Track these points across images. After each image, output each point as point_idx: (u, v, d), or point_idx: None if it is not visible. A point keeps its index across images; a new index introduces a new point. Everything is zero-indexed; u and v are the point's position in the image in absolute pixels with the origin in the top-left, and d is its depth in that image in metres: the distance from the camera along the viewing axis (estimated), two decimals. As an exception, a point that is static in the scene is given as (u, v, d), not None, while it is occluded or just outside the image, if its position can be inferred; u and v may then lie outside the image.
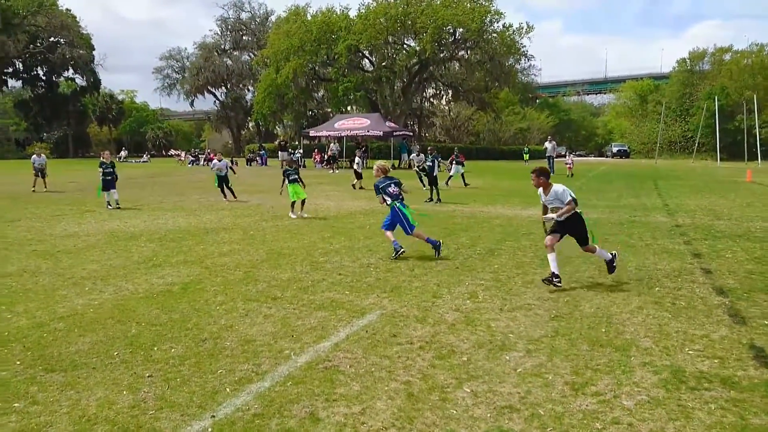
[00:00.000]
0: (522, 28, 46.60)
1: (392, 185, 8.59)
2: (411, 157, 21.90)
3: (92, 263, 8.08)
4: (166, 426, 3.46)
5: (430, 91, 62.12)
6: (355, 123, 37.82)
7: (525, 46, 47.54)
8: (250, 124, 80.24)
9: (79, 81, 73.63)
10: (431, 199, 16.10)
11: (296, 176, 12.89)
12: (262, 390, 3.95)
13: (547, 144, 29.90)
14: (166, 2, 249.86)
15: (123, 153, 57.02)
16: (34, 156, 20.81)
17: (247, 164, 44.47)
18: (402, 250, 8.26)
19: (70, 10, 67.85)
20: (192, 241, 9.79)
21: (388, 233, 8.47)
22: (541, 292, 6.40)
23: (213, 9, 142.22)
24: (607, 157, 69.09)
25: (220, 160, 17.27)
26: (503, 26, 45.77)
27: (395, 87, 50.04)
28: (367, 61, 52.36)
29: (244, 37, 72.05)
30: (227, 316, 5.62)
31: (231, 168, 17.81)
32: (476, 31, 43.75)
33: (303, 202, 12.94)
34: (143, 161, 51.54)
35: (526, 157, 43.92)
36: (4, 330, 5.21)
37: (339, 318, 5.55)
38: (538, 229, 10.93)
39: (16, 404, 3.74)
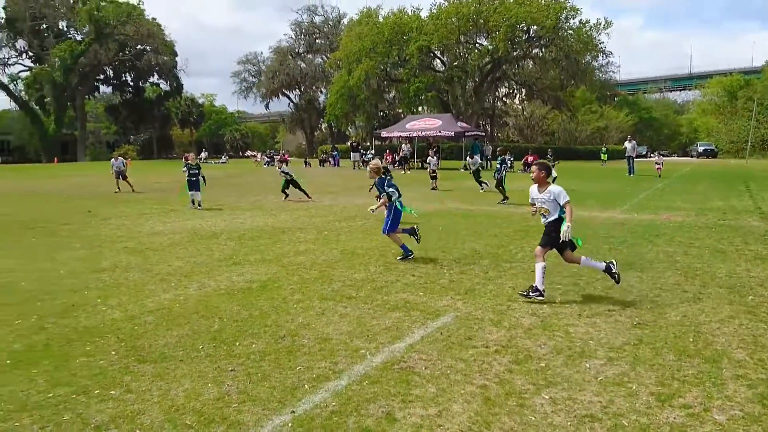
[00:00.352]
0: (599, 24, 45.07)
1: (390, 179, 8.68)
2: (466, 159, 21.36)
3: (177, 260, 8.48)
4: (249, 419, 3.59)
5: (503, 91, 61.21)
6: (426, 123, 37.77)
7: (603, 42, 45.99)
8: (323, 126, 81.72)
9: (164, 86, 77.65)
10: (505, 198, 15.83)
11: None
12: (339, 388, 4.02)
13: (626, 144, 28.76)
14: (243, 9, 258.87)
15: (203, 154, 59.46)
16: (113, 159, 22.17)
17: (320, 165, 45.37)
18: (411, 254, 8.28)
19: (155, 19, 71.62)
20: (269, 240, 10.09)
21: (395, 235, 8.43)
22: (623, 298, 6.17)
23: (288, 14, 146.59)
24: (692, 156, 65.66)
25: (279, 167, 18.25)
26: (579, 23, 44.46)
27: (467, 87, 49.63)
28: (438, 61, 52.21)
29: (317, 41, 73.50)
30: (304, 314, 5.75)
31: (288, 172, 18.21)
32: (551, 28, 42.72)
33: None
34: (222, 162, 53.55)
35: (604, 157, 42.25)
36: (100, 322, 5.56)
37: (413, 319, 5.56)
38: (617, 232, 10.55)
39: (112, 392, 3.99)
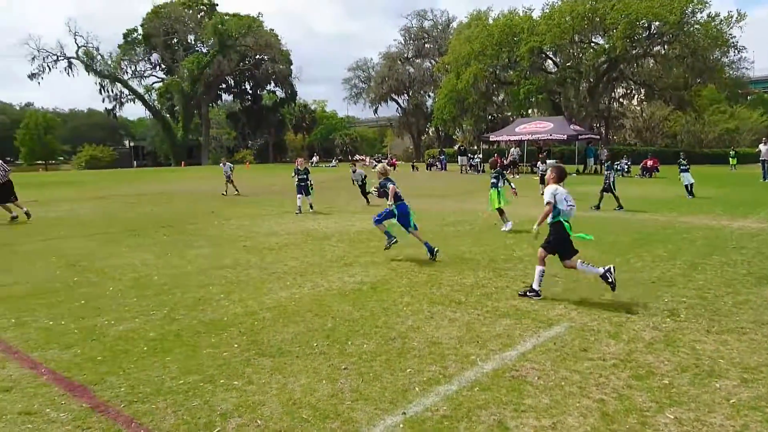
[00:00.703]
0: (731, 17, 41.55)
1: (391, 184, 9.13)
2: (539, 165, 20.03)
3: (292, 260, 8.86)
4: (361, 417, 3.68)
5: (620, 91, 58.14)
6: (537, 126, 36.77)
7: (734, 37, 42.34)
8: (430, 130, 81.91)
9: (279, 93, 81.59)
10: (598, 207, 14.97)
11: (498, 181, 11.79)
12: (449, 393, 4.02)
13: (761, 146, 26.35)
14: (353, 17, 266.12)
15: (315, 158, 61.68)
16: (221, 164, 23.60)
17: (427, 169, 45.52)
18: (395, 240, 9.06)
19: (273, 30, 75.40)
20: (378, 243, 10.26)
21: (380, 225, 9.16)
22: (758, 315, 5.66)
23: (397, 20, 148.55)
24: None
25: (354, 171, 18.68)
26: (708, 16, 41.25)
27: (581, 88, 47.66)
28: (550, 62, 50.61)
29: (425, 45, 73.90)
30: (414, 317, 5.80)
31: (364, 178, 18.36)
32: (675, 23, 39.99)
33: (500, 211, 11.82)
34: (332, 166, 55.27)
35: (733, 161, 38.82)
36: (224, 315, 5.94)
37: (524, 327, 5.44)
38: (750, 242, 9.71)
39: (235, 382, 4.24)
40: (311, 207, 15.62)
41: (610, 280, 6.24)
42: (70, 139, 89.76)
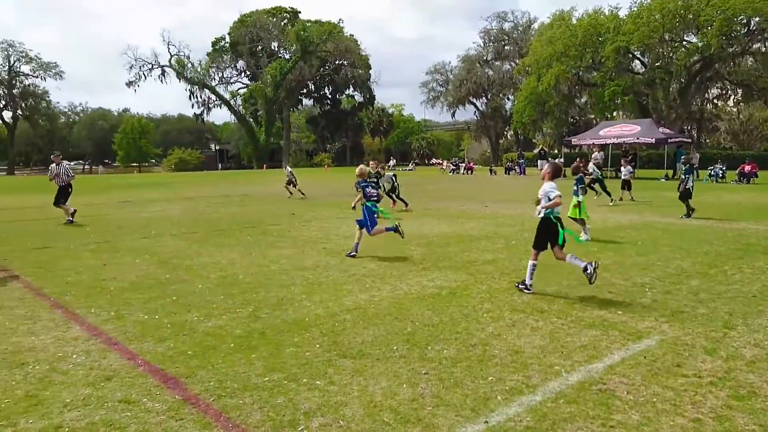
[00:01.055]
0: (842, 11, 38.31)
1: (370, 187, 10.00)
2: (590, 167, 18.87)
3: (370, 262, 8.94)
4: (442, 423, 3.65)
5: (714, 92, 54.98)
6: (623, 130, 35.34)
7: None
8: (509, 133, 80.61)
9: (358, 97, 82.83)
10: (688, 215, 13.91)
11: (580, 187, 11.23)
12: (533, 403, 3.91)
13: None
14: (432, 20, 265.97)
15: (392, 162, 62.06)
16: (284, 168, 24.25)
17: (505, 173, 44.77)
18: (397, 225, 9.94)
19: (353, 35, 76.67)
20: (456, 248, 10.20)
21: (379, 227, 9.82)
22: None
23: (477, 22, 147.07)
24: None
25: (382, 174, 18.26)
26: (816, 10, 38.22)
27: (671, 89, 45.40)
28: (637, 62, 48.57)
29: (505, 47, 72.78)
30: (494, 324, 5.70)
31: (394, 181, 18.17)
32: (778, 19, 37.38)
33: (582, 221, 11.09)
34: (409, 170, 55.42)
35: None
36: (306, 316, 6.07)
37: (612, 339, 5.22)
38: None
39: (318, 382, 4.32)
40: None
41: (588, 271, 6.64)
42: (161, 143, 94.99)
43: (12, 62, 78.58)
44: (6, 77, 78.38)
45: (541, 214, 6.98)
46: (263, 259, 9.28)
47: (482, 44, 74.48)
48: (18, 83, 79.78)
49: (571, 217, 11.03)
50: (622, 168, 20.71)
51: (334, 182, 33.07)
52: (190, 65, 76.57)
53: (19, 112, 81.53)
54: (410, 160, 72.83)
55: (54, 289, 7.29)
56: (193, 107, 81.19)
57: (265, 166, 67.57)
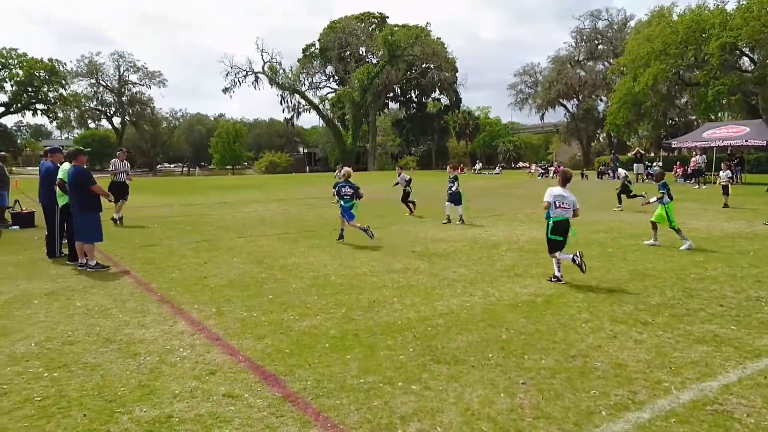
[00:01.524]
0: None
1: (347, 187, 11.76)
2: (618, 171, 17.36)
3: (460, 267, 8.84)
4: (544, 437, 3.52)
5: (836, 90, 50.23)
6: (729, 131, 33.02)
7: None
8: (601, 136, 77.51)
9: (444, 100, 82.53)
10: None
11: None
12: (641, 421, 3.71)
13: None
14: (520, 21, 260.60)
15: (477, 165, 61.40)
16: (337, 172, 24.43)
17: (598, 177, 43.06)
18: (340, 238, 11.70)
19: (440, 38, 76.47)
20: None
21: (354, 223, 11.61)
22: None
23: (566, 22, 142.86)
24: None
25: (399, 174, 18.66)
26: None
27: (784, 87, 41.91)
28: (746, 59, 45.25)
29: (599, 47, 70.01)
30: (594, 335, 5.46)
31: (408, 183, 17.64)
32: None
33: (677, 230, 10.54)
34: (495, 173, 54.55)
35: None
36: (398, 319, 6.07)
37: (725, 356, 4.86)
38: None
39: (413, 386, 4.30)
40: (460, 220, 14.47)
41: (577, 261, 7.56)
42: (253, 146, 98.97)
43: (122, 72, 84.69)
44: (116, 86, 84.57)
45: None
46: (354, 261, 9.40)
47: (574, 44, 72.07)
48: (126, 91, 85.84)
49: (655, 221, 10.70)
50: (721, 173, 19.33)
51: (418, 185, 33.06)
52: (281, 71, 79.24)
53: (127, 118, 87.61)
54: (497, 163, 71.60)
55: (161, 285, 7.73)
56: (283, 112, 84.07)
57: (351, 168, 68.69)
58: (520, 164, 78.21)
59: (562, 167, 42.79)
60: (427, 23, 76.58)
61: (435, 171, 68.13)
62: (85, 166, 9.06)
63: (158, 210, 18.76)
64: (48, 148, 11.16)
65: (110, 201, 9.23)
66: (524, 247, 10.62)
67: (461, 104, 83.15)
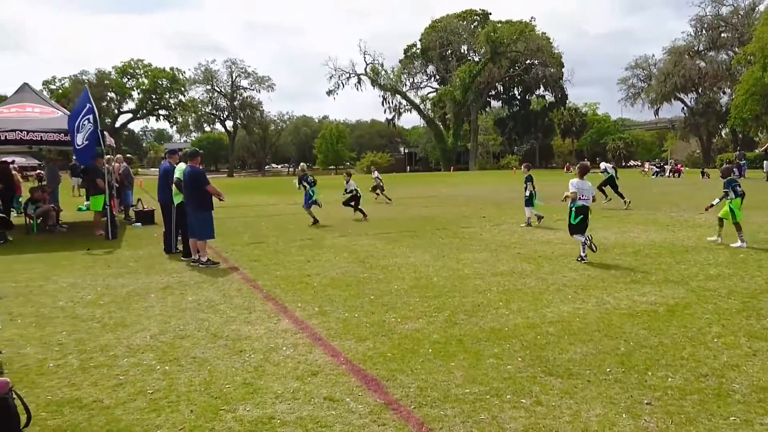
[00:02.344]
0: None
1: (308, 179, 14.47)
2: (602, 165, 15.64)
3: (570, 271, 8.32)
4: (677, 468, 3.11)
5: None
6: None
7: None
8: (724, 131, 71.71)
9: (548, 97, 79.86)
10: None
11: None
12: (796, 458, 3.18)
13: None
14: (631, 12, 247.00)
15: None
16: (374, 173, 23.90)
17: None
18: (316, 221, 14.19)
19: (545, 33, 74.02)
20: (670, 259, 9.09)
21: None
22: None
23: (684, 10, 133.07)
24: None
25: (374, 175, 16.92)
26: None
27: None
28: None
29: (722, 35, 64.61)
30: (729, 352, 4.87)
31: None
32: None
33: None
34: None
35: None
36: (504, 325, 5.75)
37: None
38: None
39: (523, 400, 4.00)
40: (538, 219, 13.70)
41: (588, 243, 9.02)
42: (355, 146, 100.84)
43: (234, 78, 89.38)
44: (229, 91, 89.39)
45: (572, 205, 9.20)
46: (456, 263, 9.14)
47: (693, 33, 67.11)
48: (238, 96, 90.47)
49: (722, 217, 10.47)
50: None
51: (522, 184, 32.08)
52: (383, 72, 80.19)
53: (238, 121, 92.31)
54: (607, 162, 68.19)
55: (266, 282, 7.88)
56: (385, 112, 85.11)
57: (452, 168, 68.21)
58: (631, 162, 74.02)
59: (680, 165, 39.95)
60: (532, 18, 73.98)
61: (538, 170, 66.09)
62: (200, 167, 9.47)
63: (266, 208, 19.47)
64: (167, 149, 11.84)
65: (221, 200, 9.58)
66: (641, 251, 9.86)
67: (567, 101, 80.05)
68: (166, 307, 6.63)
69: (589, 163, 9.68)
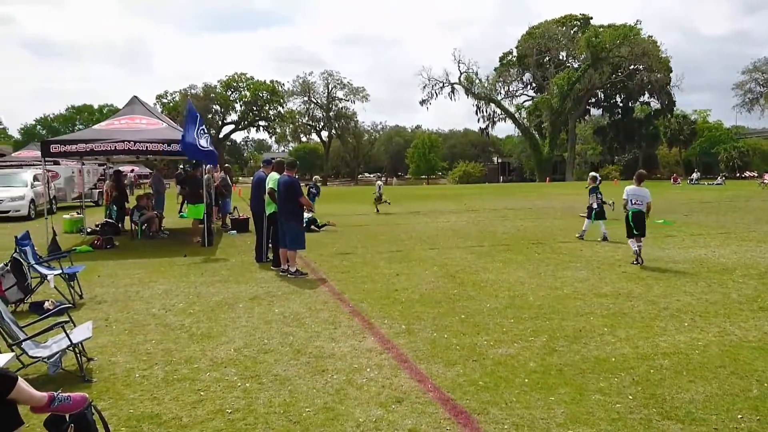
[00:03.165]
0: None
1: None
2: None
3: (685, 295, 7.50)
4: None
5: None
6: None
7: None
8: None
9: (654, 104, 75.51)
10: None
11: None
12: None
13: None
14: (747, 11, 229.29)
15: (695, 175, 54.94)
16: (378, 182, 22.79)
17: None
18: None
19: (651, 36, 70.08)
20: (805, 284, 8.01)
21: None
22: None
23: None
24: None
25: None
26: None
27: None
28: None
29: None
30: None
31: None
32: None
33: None
34: (717, 183, 48.19)
35: None
36: (610, 355, 5.17)
37: None
38: None
39: (637, 449, 3.46)
40: (604, 237, 12.67)
41: (636, 252, 9.81)
42: (448, 156, 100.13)
43: (330, 89, 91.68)
44: (325, 102, 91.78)
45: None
46: (554, 281, 8.53)
47: (822, 32, 61.07)
48: (333, 107, 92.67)
49: None
50: None
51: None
52: (477, 81, 79.16)
53: (333, 131, 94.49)
54: (719, 173, 63.35)
55: (353, 296, 7.68)
56: (478, 122, 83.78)
57: (548, 179, 66.00)
58: (747, 173, 68.33)
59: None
60: (637, 21, 70.21)
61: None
62: (295, 176, 9.48)
63: (356, 218, 19.47)
64: (263, 160, 12.07)
65: (311, 212, 9.55)
66: (767, 275, 8.78)
67: (675, 107, 75.28)
68: (253, 319, 6.57)
69: (645, 171, 11.19)
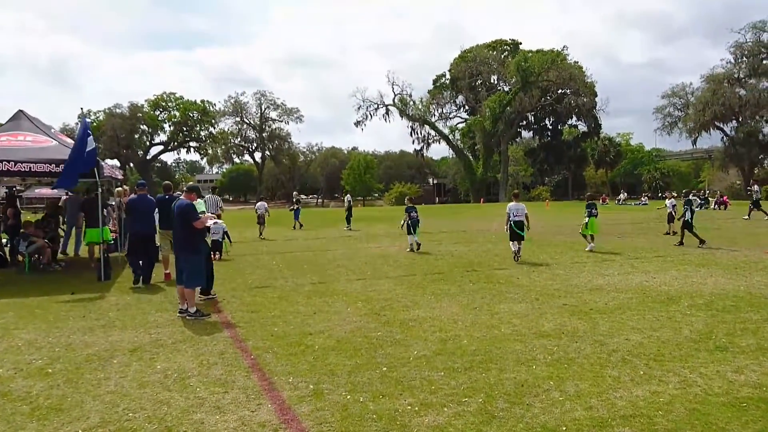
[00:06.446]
0: None
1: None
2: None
3: (634, 332, 6.71)
4: None
5: None
6: None
7: None
8: (766, 162, 68.78)
9: (581, 127, 78.02)
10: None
11: None
12: None
13: None
14: (663, 42, 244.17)
15: (622, 195, 56.48)
16: (258, 203, 21.80)
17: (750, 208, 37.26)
18: None
19: (577, 62, 72.55)
20: (755, 315, 7.41)
21: None
22: None
23: (721, 37, 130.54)
24: None
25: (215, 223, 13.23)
26: None
27: None
28: None
29: (764, 62, 62.30)
30: None
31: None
32: None
33: None
34: (642, 204, 49.59)
35: None
36: (560, 421, 4.21)
37: None
38: None
39: None
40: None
41: (514, 249, 12.75)
42: (383, 178, 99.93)
43: (263, 109, 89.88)
44: (258, 123, 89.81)
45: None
46: (490, 317, 7.60)
47: (733, 61, 64.90)
48: (267, 127, 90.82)
49: None
50: None
51: (556, 218, 30.39)
52: (411, 103, 79.59)
53: (267, 152, 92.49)
54: (642, 193, 65.62)
55: (258, 343, 6.47)
56: (413, 143, 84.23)
57: (482, 200, 66.51)
58: (666, 194, 71.21)
59: (726, 197, 37.74)
60: (564, 47, 72.67)
61: (571, 201, 63.84)
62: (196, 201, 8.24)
63: (283, 245, 18.17)
64: (138, 183, 11.37)
65: (204, 225, 8.34)
66: (714, 303, 8.18)
67: (601, 130, 78.00)
68: (125, 380, 5.26)
69: (518, 191, 14.29)
